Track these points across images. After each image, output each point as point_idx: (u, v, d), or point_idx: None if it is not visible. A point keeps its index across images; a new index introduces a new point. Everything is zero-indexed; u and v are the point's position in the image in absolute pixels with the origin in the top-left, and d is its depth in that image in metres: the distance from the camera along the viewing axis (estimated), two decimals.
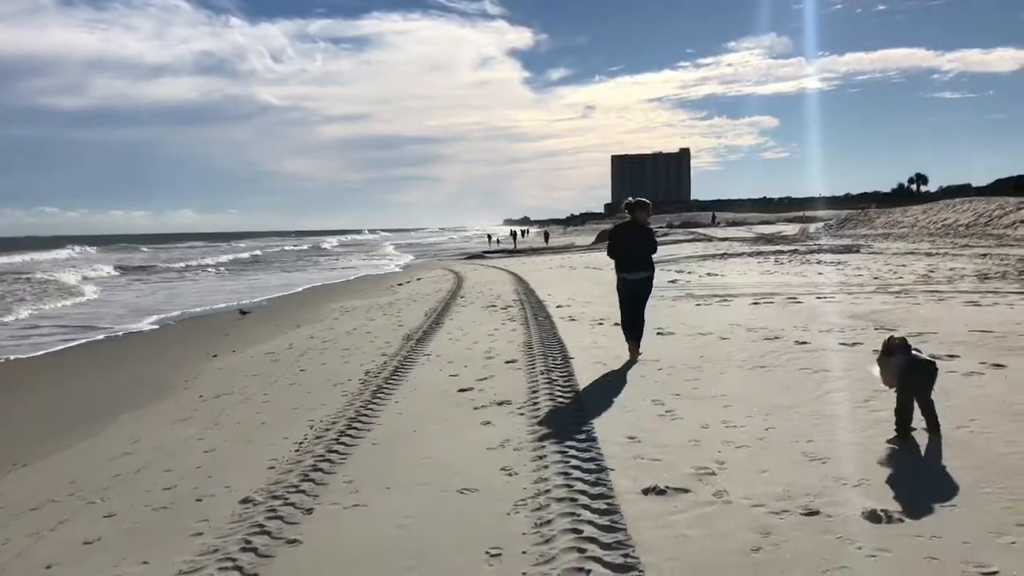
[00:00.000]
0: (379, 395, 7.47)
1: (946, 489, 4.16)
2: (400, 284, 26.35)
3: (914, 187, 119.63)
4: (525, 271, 26.03)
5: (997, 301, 11.33)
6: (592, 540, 3.76)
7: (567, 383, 7.35)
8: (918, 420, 5.02)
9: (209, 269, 46.33)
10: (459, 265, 36.84)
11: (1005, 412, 5.48)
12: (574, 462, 4.93)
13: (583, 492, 4.40)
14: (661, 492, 4.35)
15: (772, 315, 11.10)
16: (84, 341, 15.74)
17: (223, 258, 60.27)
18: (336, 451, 5.62)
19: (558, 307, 13.68)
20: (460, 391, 7.41)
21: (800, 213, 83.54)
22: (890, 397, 5.17)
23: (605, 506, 4.18)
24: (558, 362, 8.39)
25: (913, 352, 5.00)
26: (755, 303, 12.57)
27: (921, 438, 4.97)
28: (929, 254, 21.69)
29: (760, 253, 26.44)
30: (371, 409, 6.90)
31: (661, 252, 29.11)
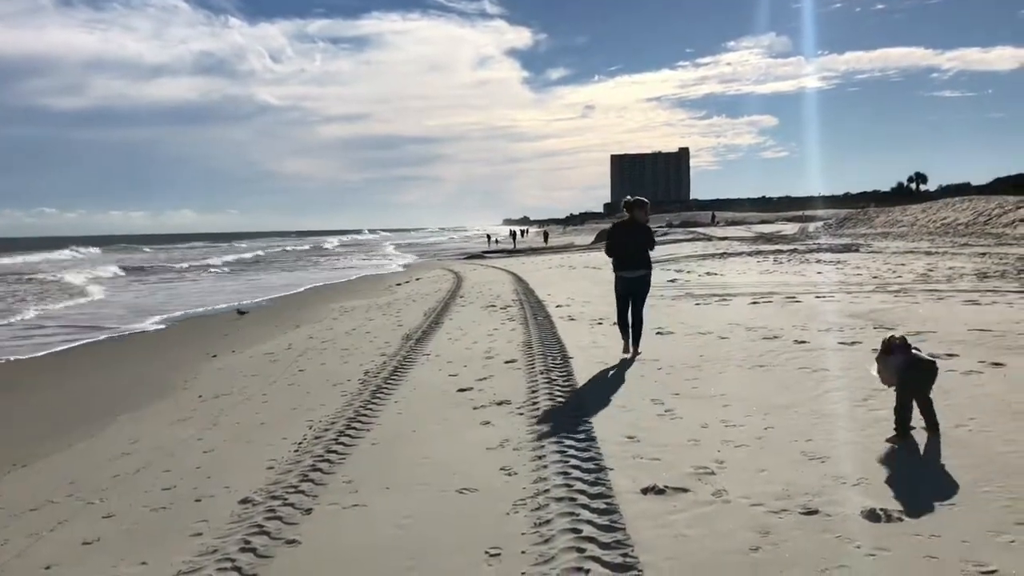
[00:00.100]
0: (378, 395, 7.47)
1: (945, 488, 4.16)
2: (399, 284, 26.35)
3: (913, 186, 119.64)
4: (524, 271, 26.03)
5: (996, 300, 11.33)
6: (591, 540, 3.76)
7: (566, 383, 7.35)
8: (917, 419, 5.02)
9: (212, 269, 46.45)
10: (458, 265, 36.84)
11: (1004, 411, 5.48)
12: (573, 462, 4.93)
13: (582, 492, 4.40)
14: (660, 491, 4.35)
15: (771, 314, 11.10)
16: (86, 341, 15.74)
17: (226, 258, 60.47)
18: (335, 451, 5.62)
19: (557, 307, 13.68)
20: (459, 391, 7.41)
21: (799, 212, 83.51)
22: (889, 396, 5.17)
23: (604, 506, 4.18)
24: (557, 362, 8.39)
25: (913, 351, 5.00)
26: (754, 302, 12.57)
27: (920, 437, 4.97)
28: (928, 253, 21.69)
29: (759, 252, 26.44)
30: (370, 409, 6.90)
31: (661, 252, 29.11)
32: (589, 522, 3.97)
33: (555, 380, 7.48)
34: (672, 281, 17.40)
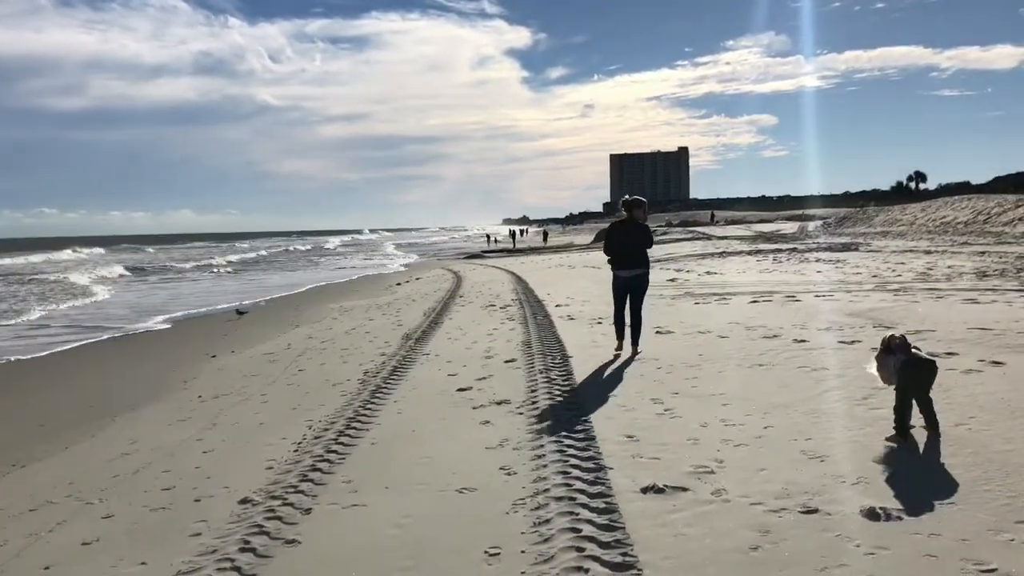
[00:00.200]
0: (378, 395, 7.46)
1: (945, 487, 4.16)
2: (399, 284, 26.36)
3: (913, 185, 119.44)
4: (524, 270, 26.03)
5: (996, 299, 11.33)
6: (591, 539, 3.75)
7: (566, 382, 7.35)
8: (917, 418, 5.01)
9: (217, 269, 46.62)
10: (458, 265, 36.84)
11: (1004, 410, 5.48)
12: (573, 461, 4.93)
13: (582, 491, 4.39)
14: (660, 491, 4.34)
15: (771, 313, 11.10)
16: (86, 342, 15.74)
17: (229, 258, 60.87)
18: (335, 451, 5.62)
19: (557, 306, 13.68)
20: (459, 391, 7.41)
21: (799, 211, 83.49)
22: (888, 395, 5.16)
23: (604, 505, 4.18)
24: (557, 361, 8.39)
25: (912, 351, 5.00)
26: (754, 301, 12.56)
27: (920, 436, 4.96)
28: (928, 252, 21.69)
29: (759, 251, 26.43)
30: (370, 409, 6.90)
31: (660, 251, 29.05)
32: (588, 521, 3.96)
33: (554, 379, 7.47)
34: (672, 280, 17.38)
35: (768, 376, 7.09)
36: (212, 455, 6.07)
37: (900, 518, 3.79)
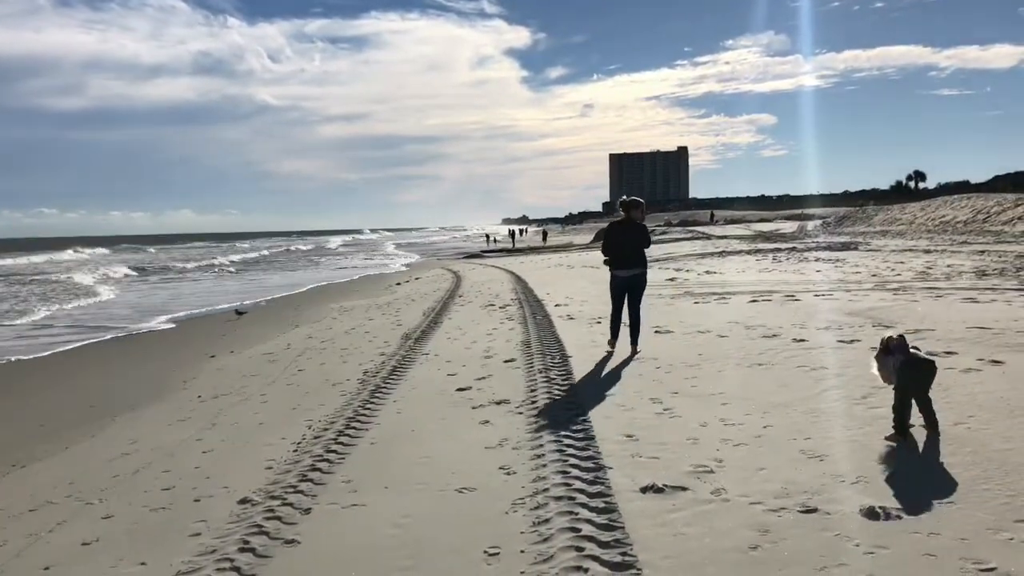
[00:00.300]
0: (377, 395, 7.46)
1: (944, 486, 4.16)
2: (398, 284, 26.36)
3: (912, 184, 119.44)
4: (523, 270, 26.03)
5: (995, 298, 11.33)
6: (590, 539, 3.76)
7: (565, 382, 7.35)
8: (916, 417, 5.01)
9: (221, 269, 46.76)
10: (458, 264, 36.84)
11: (1003, 409, 5.48)
12: (572, 461, 4.93)
13: (581, 491, 4.39)
14: (659, 490, 4.35)
15: (770, 313, 11.10)
16: (88, 342, 15.73)
17: (231, 258, 61.18)
18: (334, 451, 5.62)
19: (556, 306, 13.68)
20: (458, 390, 7.41)
21: (798, 211, 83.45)
22: (888, 394, 5.16)
23: (603, 504, 4.18)
24: (556, 361, 8.39)
25: (911, 350, 5.00)
26: (753, 301, 12.57)
27: (919, 435, 4.97)
28: (927, 251, 21.69)
29: (758, 251, 26.44)
30: (369, 409, 6.90)
31: (660, 250, 29.05)
32: (588, 521, 3.96)
33: (554, 379, 7.48)
34: (671, 280, 17.38)
35: (767, 375, 7.09)
36: (212, 455, 6.07)
37: (899, 517, 3.79)
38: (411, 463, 5.25)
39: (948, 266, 16.76)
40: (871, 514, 3.83)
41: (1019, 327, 8.64)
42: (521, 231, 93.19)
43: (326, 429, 6.28)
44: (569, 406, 6.38)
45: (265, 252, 74.55)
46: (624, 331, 8.80)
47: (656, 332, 9.75)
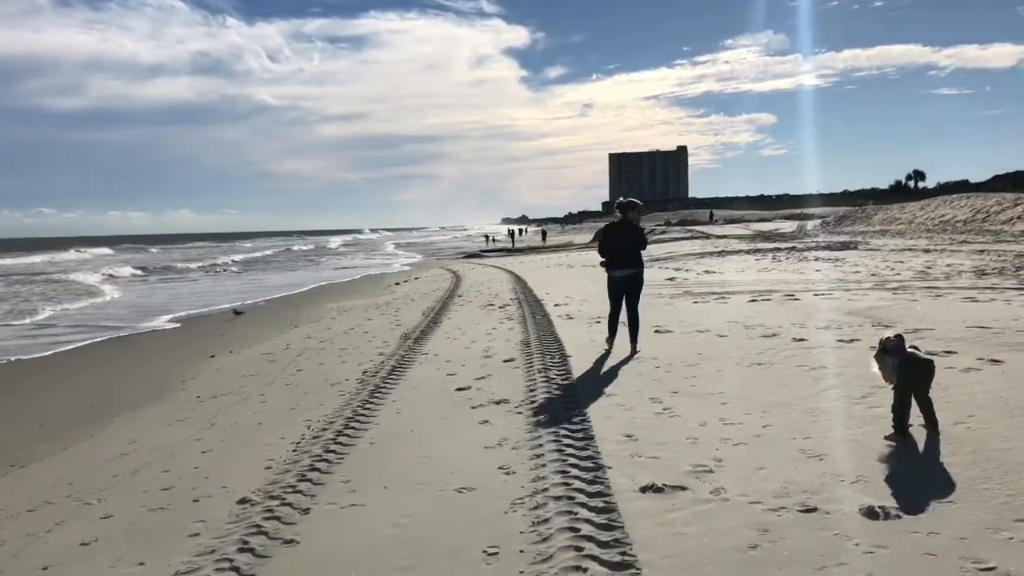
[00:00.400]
0: (376, 395, 7.46)
1: (943, 485, 4.16)
2: (397, 283, 26.35)
3: (912, 184, 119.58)
4: (523, 270, 26.03)
5: (994, 297, 11.34)
6: (589, 538, 3.75)
7: (564, 381, 7.35)
8: (916, 416, 5.01)
9: (225, 269, 46.87)
10: (457, 264, 36.84)
11: (1002, 408, 5.48)
12: (571, 460, 4.93)
13: (580, 490, 4.39)
14: (659, 490, 4.34)
15: (770, 312, 11.10)
16: (89, 342, 15.71)
17: (234, 257, 61.48)
18: (333, 451, 5.61)
19: (556, 305, 13.68)
20: (458, 390, 7.41)
21: (798, 210, 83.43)
22: (887, 393, 5.16)
23: (602, 504, 4.18)
24: (555, 360, 8.39)
25: (909, 350, 5.00)
26: (753, 300, 12.57)
27: (918, 434, 4.96)
28: (927, 250, 21.70)
29: (758, 250, 26.44)
30: (368, 409, 6.89)
31: (659, 250, 29.03)
32: (587, 521, 3.96)
33: (553, 379, 7.47)
34: (670, 279, 17.38)
35: (767, 375, 7.09)
36: (210, 455, 6.06)
37: (899, 517, 3.79)
38: (410, 463, 5.25)
39: (947, 265, 16.76)
40: (871, 513, 3.83)
41: (1019, 326, 8.64)
42: (520, 231, 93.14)
43: (325, 429, 6.28)
44: (568, 406, 6.38)
45: (268, 251, 75.16)
46: (623, 330, 8.82)
47: (656, 332, 9.75)
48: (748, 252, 25.92)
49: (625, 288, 8.85)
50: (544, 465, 4.91)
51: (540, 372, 7.82)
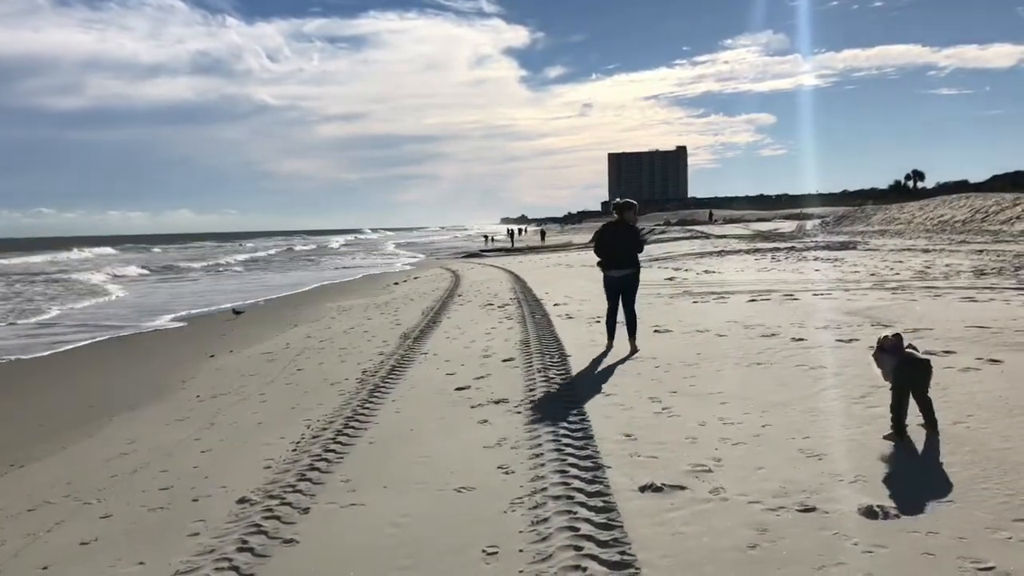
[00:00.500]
0: (376, 394, 7.46)
1: (942, 485, 4.16)
2: (397, 283, 26.35)
3: (911, 184, 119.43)
4: (522, 270, 26.03)
5: (993, 297, 11.35)
6: (589, 538, 3.76)
7: (564, 381, 7.35)
8: (916, 416, 5.02)
9: (231, 268, 46.93)
10: (457, 264, 36.84)
11: (1001, 408, 5.49)
12: (571, 460, 4.93)
13: (580, 490, 4.39)
14: (658, 489, 4.35)
15: (769, 312, 11.10)
16: (89, 341, 15.70)
17: (239, 257, 61.63)
18: (333, 450, 5.61)
19: (555, 305, 13.68)
20: (457, 390, 7.41)
21: (797, 210, 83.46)
22: (886, 393, 5.16)
23: (602, 504, 4.18)
24: (555, 360, 8.39)
25: (906, 350, 5.00)
26: (752, 300, 12.58)
27: (918, 434, 4.97)
28: (926, 250, 21.72)
29: (757, 250, 26.46)
30: (368, 408, 6.89)
31: (659, 250, 28.98)
32: (587, 520, 3.96)
33: (552, 378, 7.48)
34: (670, 279, 17.39)
35: (766, 375, 7.09)
36: (210, 455, 6.06)
37: (898, 516, 3.79)
38: (410, 462, 5.25)
39: (947, 265, 16.77)
40: (869, 513, 3.83)
41: (1017, 326, 8.65)
42: (520, 231, 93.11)
43: (325, 428, 6.28)
44: (568, 405, 6.38)
45: (272, 251, 75.76)
46: (622, 330, 8.83)
47: (655, 331, 9.75)
48: (747, 252, 25.93)
49: (621, 288, 8.89)
50: (543, 464, 4.91)
51: (539, 371, 7.83)
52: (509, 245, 61.43)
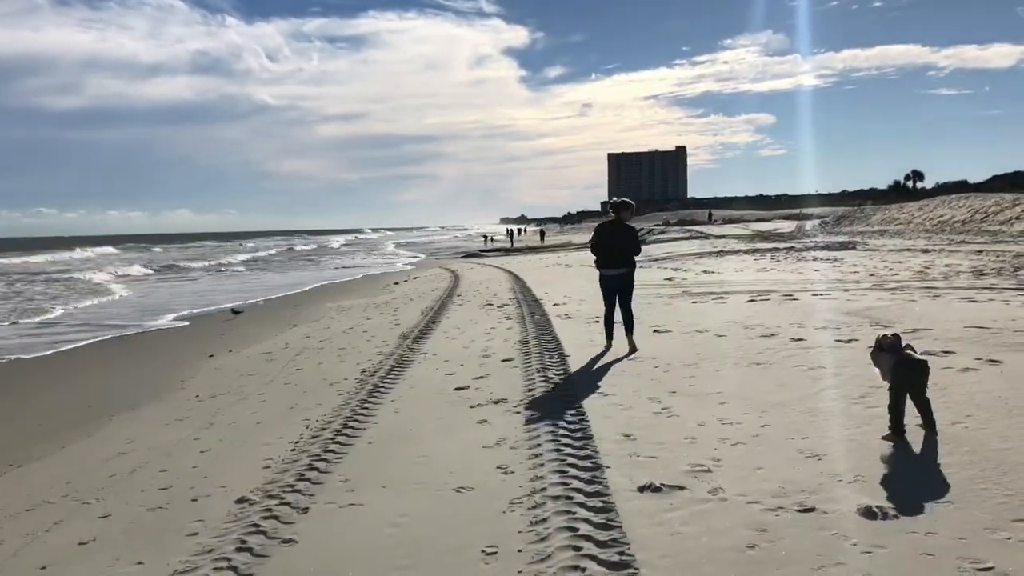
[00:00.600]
0: (375, 394, 7.46)
1: (941, 485, 4.16)
2: (396, 283, 26.35)
3: (910, 184, 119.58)
4: (522, 269, 26.04)
5: (993, 297, 11.35)
6: (588, 538, 3.75)
7: (563, 381, 7.35)
8: (915, 416, 5.02)
9: (234, 268, 46.97)
10: (456, 264, 36.85)
11: (1000, 408, 5.49)
12: (570, 460, 4.93)
13: (579, 490, 4.39)
14: (657, 489, 4.34)
15: (768, 312, 11.11)
16: (90, 341, 15.68)
17: (241, 257, 61.73)
18: (332, 450, 5.61)
19: (554, 305, 13.68)
20: (456, 390, 7.41)
21: (796, 210, 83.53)
22: (885, 393, 5.16)
23: (601, 504, 4.18)
24: (554, 360, 8.39)
25: (905, 350, 5.00)
26: (751, 300, 12.58)
27: (916, 435, 4.97)
28: (925, 251, 21.73)
29: (756, 250, 26.47)
30: (367, 408, 6.89)
31: (658, 250, 28.96)
32: (586, 520, 3.96)
33: (552, 378, 7.48)
34: (669, 279, 17.40)
35: (765, 375, 7.09)
36: (209, 455, 6.06)
37: (897, 517, 3.79)
38: (409, 462, 5.25)
39: (946, 266, 16.78)
40: (868, 513, 3.83)
41: (1017, 326, 8.65)
42: (519, 231, 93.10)
43: (324, 428, 6.28)
44: (567, 405, 6.38)
45: (272, 251, 75.93)
46: (620, 329, 8.85)
47: (654, 331, 9.76)
48: (747, 252, 25.94)
49: (617, 287, 8.94)
50: (542, 464, 4.91)
51: (538, 371, 7.83)
52: (508, 245, 61.42)
